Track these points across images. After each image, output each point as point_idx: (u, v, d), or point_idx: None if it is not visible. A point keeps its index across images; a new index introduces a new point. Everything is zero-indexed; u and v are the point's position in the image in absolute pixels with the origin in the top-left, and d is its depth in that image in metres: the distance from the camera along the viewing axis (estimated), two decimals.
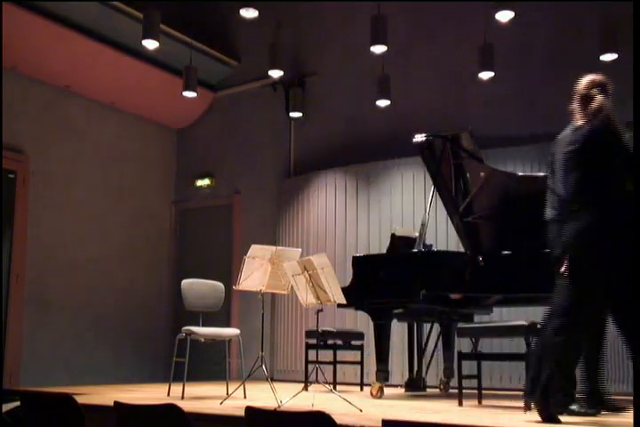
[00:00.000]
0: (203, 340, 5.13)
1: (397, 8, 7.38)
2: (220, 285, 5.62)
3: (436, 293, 5.00)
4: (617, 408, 4.08)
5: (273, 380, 6.29)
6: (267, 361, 5.91)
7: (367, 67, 7.59)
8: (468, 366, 4.90)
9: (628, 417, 3.71)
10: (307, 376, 5.85)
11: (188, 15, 8.17)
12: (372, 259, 5.65)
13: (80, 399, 3.72)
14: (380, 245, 7.13)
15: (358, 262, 5.42)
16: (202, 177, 9.05)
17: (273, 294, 7.37)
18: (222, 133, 9.01)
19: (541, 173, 6.25)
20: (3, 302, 7.03)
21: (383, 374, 5.18)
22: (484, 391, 4.70)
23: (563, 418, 3.57)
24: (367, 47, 6.12)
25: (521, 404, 3.98)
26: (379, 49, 6.06)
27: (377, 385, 5.16)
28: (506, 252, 5.04)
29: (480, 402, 4.59)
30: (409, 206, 7.19)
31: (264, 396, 5.08)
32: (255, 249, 4.86)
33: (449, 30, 7.49)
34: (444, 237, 6.80)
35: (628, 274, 3.55)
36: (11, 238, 7.28)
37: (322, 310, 4.77)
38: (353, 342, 6.21)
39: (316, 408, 3.86)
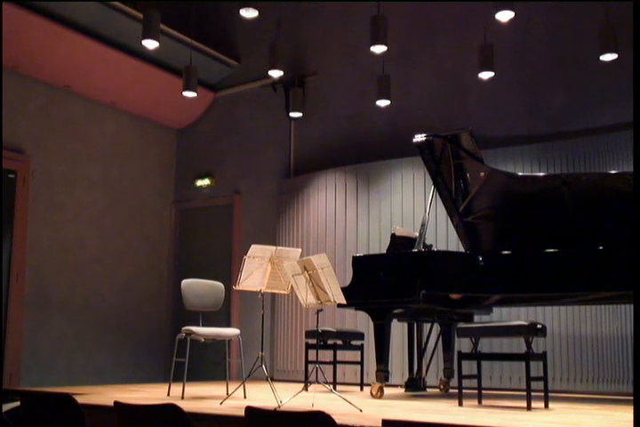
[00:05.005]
0: (203, 340, 5.13)
1: (397, 8, 7.38)
2: (219, 284, 5.62)
3: (435, 293, 5.00)
4: None
5: (273, 380, 6.29)
6: (267, 361, 5.92)
7: (367, 67, 7.59)
8: (468, 366, 4.90)
9: None
10: (307, 376, 5.86)
11: (188, 15, 8.17)
12: (372, 259, 5.64)
13: (80, 399, 3.72)
14: (380, 245, 7.13)
15: (358, 262, 5.42)
16: (202, 177, 9.05)
17: (273, 294, 7.37)
18: (222, 133, 9.00)
19: (541, 173, 6.28)
20: (3, 302, 7.02)
21: (383, 374, 5.18)
22: (483, 391, 4.71)
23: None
24: (367, 47, 6.11)
25: (521, 404, 3.98)
26: (379, 49, 6.05)
27: (377, 385, 5.16)
28: (506, 252, 5.05)
29: (480, 402, 4.60)
30: (409, 206, 7.19)
31: (264, 396, 5.08)
32: (255, 249, 4.86)
33: (449, 30, 7.49)
34: (443, 237, 6.80)
35: None
36: (11, 238, 7.28)
37: (322, 310, 4.78)
38: (353, 342, 6.21)
39: (316, 408, 3.85)
